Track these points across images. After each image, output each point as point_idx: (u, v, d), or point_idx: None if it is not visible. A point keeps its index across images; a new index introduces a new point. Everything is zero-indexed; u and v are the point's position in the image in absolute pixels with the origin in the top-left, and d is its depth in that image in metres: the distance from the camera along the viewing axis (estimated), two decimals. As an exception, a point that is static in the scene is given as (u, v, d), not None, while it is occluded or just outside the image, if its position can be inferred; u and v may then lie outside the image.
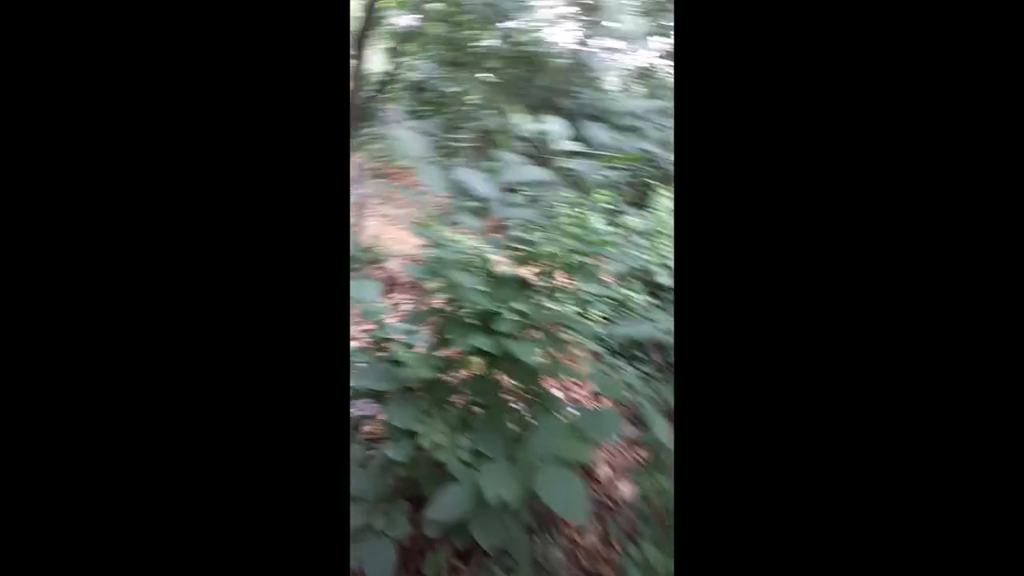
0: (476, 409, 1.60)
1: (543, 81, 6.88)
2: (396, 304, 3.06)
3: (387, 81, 10.30)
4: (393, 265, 3.66)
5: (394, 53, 9.90)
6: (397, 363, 1.78)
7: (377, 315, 1.95)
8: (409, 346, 1.88)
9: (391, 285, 3.38)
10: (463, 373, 1.66)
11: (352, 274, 3.39)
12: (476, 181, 1.46)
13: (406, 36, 9.45)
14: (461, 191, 1.47)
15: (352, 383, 1.50)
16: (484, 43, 7.84)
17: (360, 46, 8.07)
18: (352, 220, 3.74)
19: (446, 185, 1.46)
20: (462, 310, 1.57)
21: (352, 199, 3.77)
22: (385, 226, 4.61)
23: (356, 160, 7.17)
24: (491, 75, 7.36)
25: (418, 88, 9.94)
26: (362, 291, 1.99)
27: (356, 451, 1.75)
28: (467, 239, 1.72)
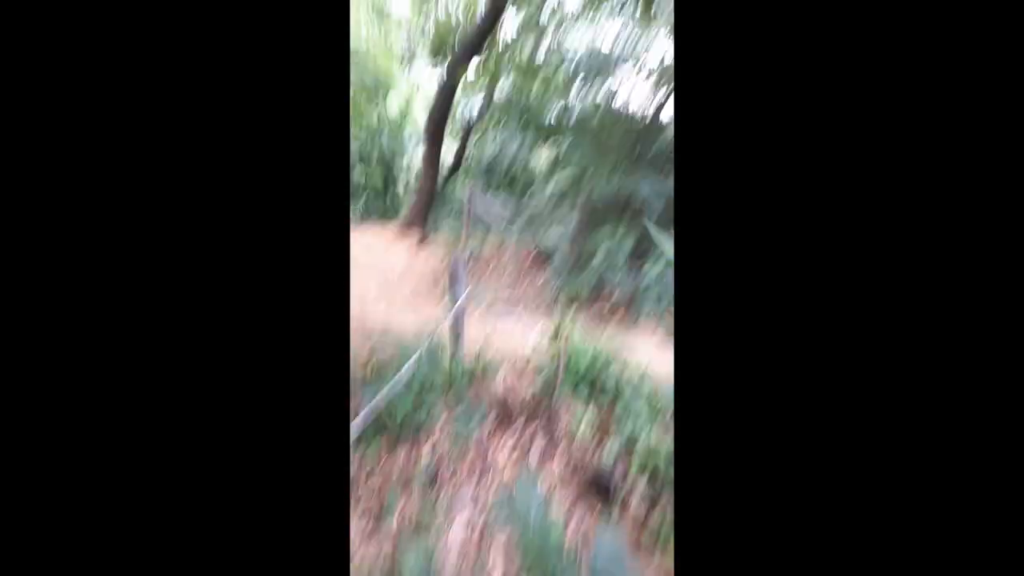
0: None
1: (644, 145, 5.90)
2: (526, 453, 2.15)
3: (460, 164, 10.24)
4: (503, 382, 2.81)
5: (468, 134, 9.85)
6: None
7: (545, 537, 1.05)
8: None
9: (505, 414, 2.50)
10: None
11: (455, 399, 2.58)
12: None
13: (480, 115, 9.36)
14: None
15: None
16: (568, 111, 7.25)
17: (436, 132, 8.00)
18: (448, 324, 2.95)
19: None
20: None
21: (450, 303, 3.00)
22: (490, 327, 3.77)
23: (444, 250, 6.68)
24: (583, 142, 6.59)
25: (495, 165, 9.65)
26: (522, 493, 1.15)
27: None
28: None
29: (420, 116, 11.39)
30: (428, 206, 7.46)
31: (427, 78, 11.38)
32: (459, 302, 2.79)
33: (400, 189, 10.71)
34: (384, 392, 2.12)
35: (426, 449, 2.12)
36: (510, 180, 9.56)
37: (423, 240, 6.72)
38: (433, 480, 1.92)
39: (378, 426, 2.21)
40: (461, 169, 10.01)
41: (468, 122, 9.58)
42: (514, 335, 3.46)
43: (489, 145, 9.99)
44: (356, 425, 2.01)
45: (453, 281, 2.90)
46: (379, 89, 11.07)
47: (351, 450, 2.15)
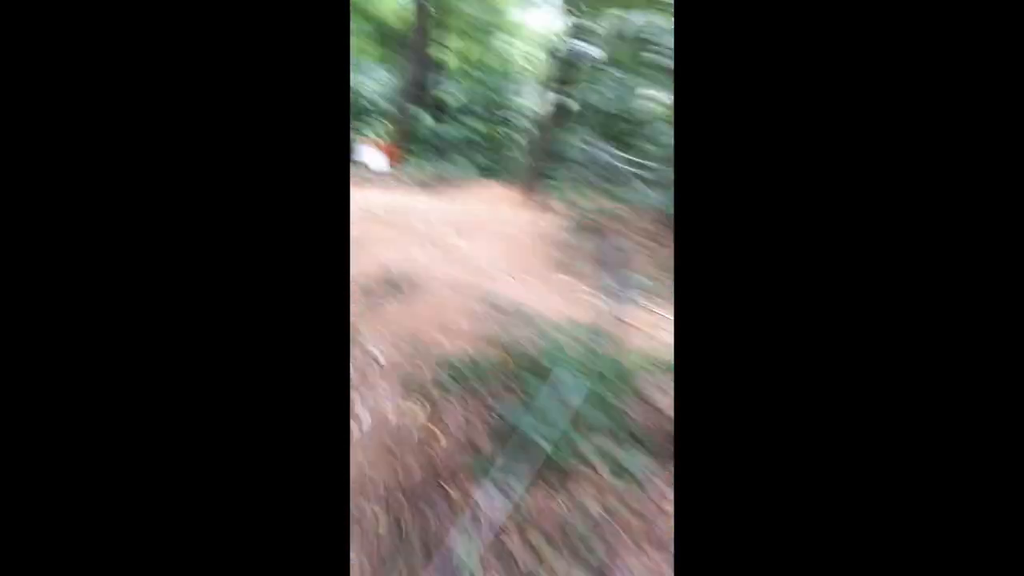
0: None
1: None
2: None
3: (570, 114, 9.37)
4: (656, 398, 2.29)
5: (578, 79, 8.94)
6: None
7: None
8: None
9: (668, 446, 1.99)
10: None
11: (617, 426, 2.12)
12: None
13: (593, 57, 8.40)
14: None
15: None
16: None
17: (552, 79, 7.27)
18: (603, 323, 2.43)
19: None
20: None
21: (606, 296, 2.45)
22: (630, 319, 3.07)
23: (565, 213, 6.02)
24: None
25: (613, 114, 8.72)
26: None
27: None
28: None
29: (530, 60, 10.59)
30: (543, 162, 6.88)
31: (537, 16, 10.48)
32: (618, 297, 2.28)
33: (511, 142, 10.14)
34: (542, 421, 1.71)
35: (590, 497, 1.70)
36: (629, 131, 8.60)
37: (541, 201, 6.20)
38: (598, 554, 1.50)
39: (529, 457, 1.83)
40: (572, 119, 9.18)
41: (578, 65, 8.65)
42: (651, 331, 2.86)
43: (604, 91, 9.01)
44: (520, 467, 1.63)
45: (607, 269, 2.39)
46: (487, 28, 10.36)
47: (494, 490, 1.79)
